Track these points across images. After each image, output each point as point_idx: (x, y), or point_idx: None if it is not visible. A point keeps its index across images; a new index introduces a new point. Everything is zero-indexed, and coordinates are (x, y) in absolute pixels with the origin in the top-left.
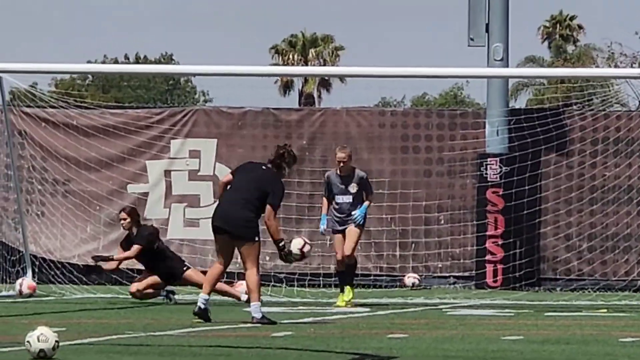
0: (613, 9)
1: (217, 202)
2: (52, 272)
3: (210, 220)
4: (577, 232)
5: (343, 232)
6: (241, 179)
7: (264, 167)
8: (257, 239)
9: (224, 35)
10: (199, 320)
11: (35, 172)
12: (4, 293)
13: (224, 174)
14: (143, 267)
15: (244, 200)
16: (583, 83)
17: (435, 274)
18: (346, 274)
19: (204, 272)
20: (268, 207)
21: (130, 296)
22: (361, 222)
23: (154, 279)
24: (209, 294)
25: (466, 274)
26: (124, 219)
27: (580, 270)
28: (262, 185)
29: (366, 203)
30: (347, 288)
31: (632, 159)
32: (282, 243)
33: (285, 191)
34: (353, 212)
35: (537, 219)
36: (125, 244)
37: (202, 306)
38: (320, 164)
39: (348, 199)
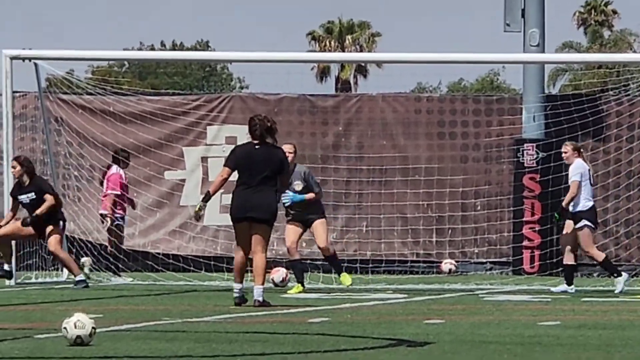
0: None
1: (234, 195)
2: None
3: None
4: (614, 218)
5: (299, 223)
6: (245, 166)
7: (257, 146)
8: (272, 224)
9: (261, 22)
10: (236, 305)
11: (72, 159)
12: (40, 280)
13: None
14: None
15: (261, 185)
16: (620, 68)
17: (472, 260)
18: (333, 262)
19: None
20: (284, 176)
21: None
22: (288, 204)
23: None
24: (241, 282)
25: (503, 259)
26: (14, 167)
27: (617, 256)
28: (271, 163)
29: (309, 195)
30: (344, 274)
31: None
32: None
33: (321, 178)
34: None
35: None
36: (18, 191)
37: (239, 295)
38: (356, 150)
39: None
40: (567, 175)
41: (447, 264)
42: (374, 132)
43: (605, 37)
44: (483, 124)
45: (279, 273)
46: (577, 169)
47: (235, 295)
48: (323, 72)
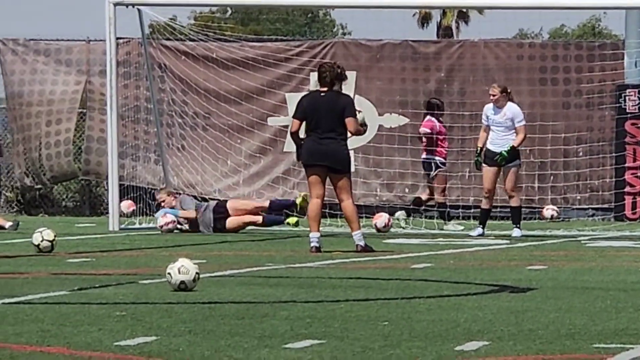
0: None
1: (305, 142)
2: None
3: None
4: None
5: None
6: (312, 114)
7: (323, 94)
8: (350, 170)
9: None
10: (339, 251)
11: (176, 106)
12: (144, 225)
13: (363, 106)
14: None
15: (333, 133)
16: None
17: (574, 206)
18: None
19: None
20: (350, 119)
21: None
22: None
23: None
24: (318, 230)
25: (605, 205)
26: None
27: None
28: (336, 110)
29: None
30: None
31: None
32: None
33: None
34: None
35: None
36: None
37: (317, 244)
38: (458, 96)
39: None
40: None
41: (549, 210)
42: (476, 79)
43: None
44: (585, 69)
45: (381, 219)
46: None
47: (314, 244)
48: (424, 18)
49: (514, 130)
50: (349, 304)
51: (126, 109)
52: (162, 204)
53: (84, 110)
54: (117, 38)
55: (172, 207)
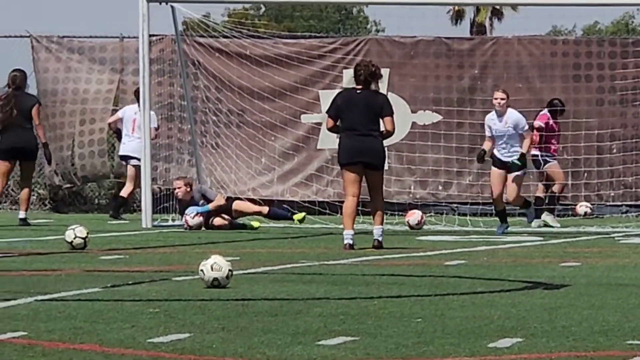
0: None
1: (341, 141)
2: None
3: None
4: None
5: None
6: (347, 112)
7: (358, 92)
8: (384, 167)
9: None
10: (373, 248)
11: (210, 103)
12: (177, 222)
13: (397, 104)
14: None
15: (369, 130)
16: None
17: (608, 203)
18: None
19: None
20: (388, 119)
21: None
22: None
23: None
24: (352, 228)
25: (638, 202)
26: None
27: None
28: (372, 107)
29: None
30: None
31: None
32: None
33: (457, 121)
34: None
35: None
36: None
37: (351, 242)
38: (492, 93)
39: None
40: None
41: (582, 207)
42: (510, 75)
43: None
44: (619, 66)
45: (414, 216)
46: None
47: (347, 241)
48: (458, 15)
49: (517, 138)
50: (382, 300)
51: (159, 106)
52: (177, 191)
53: (117, 108)
54: (151, 35)
55: (188, 201)
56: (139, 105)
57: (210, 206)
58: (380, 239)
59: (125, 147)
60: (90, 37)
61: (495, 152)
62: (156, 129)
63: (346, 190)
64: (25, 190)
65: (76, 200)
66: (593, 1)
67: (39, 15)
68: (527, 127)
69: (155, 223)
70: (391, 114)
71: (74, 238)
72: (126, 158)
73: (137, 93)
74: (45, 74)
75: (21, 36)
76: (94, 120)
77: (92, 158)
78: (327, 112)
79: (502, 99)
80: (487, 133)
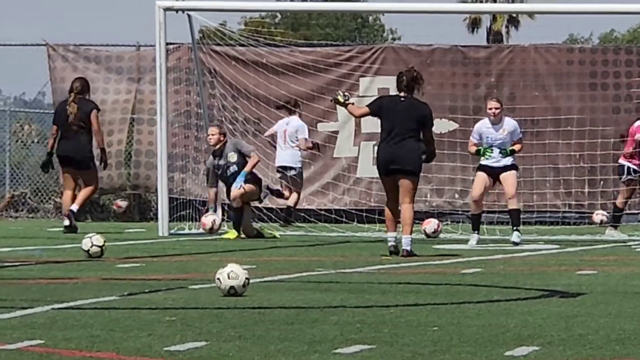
0: None
1: (379, 149)
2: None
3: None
4: None
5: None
6: (389, 117)
7: (402, 99)
8: (419, 174)
9: None
10: (388, 257)
11: (226, 111)
12: (194, 231)
13: None
14: None
15: (405, 137)
16: None
17: (624, 211)
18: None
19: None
20: (427, 134)
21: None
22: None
23: None
24: (394, 230)
25: None
26: None
27: None
28: (414, 116)
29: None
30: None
31: None
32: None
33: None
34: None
35: None
36: None
37: (394, 244)
38: (508, 101)
39: None
40: None
41: (599, 215)
42: (526, 84)
43: None
44: (635, 74)
45: (430, 224)
46: None
47: (391, 244)
48: (474, 23)
49: (509, 145)
50: (399, 309)
51: (176, 114)
52: (210, 137)
53: (134, 116)
54: (167, 44)
55: (220, 150)
56: (290, 115)
57: (247, 169)
58: (408, 247)
59: (280, 159)
60: (107, 45)
61: (484, 161)
62: (305, 140)
63: (387, 196)
64: (89, 188)
65: (93, 209)
66: (610, 9)
67: (55, 23)
68: (521, 134)
69: (172, 231)
70: (431, 127)
71: (91, 246)
72: (284, 169)
73: (290, 104)
74: (63, 84)
75: (37, 45)
76: (112, 132)
77: (110, 170)
78: (368, 105)
79: (496, 108)
80: (475, 140)
